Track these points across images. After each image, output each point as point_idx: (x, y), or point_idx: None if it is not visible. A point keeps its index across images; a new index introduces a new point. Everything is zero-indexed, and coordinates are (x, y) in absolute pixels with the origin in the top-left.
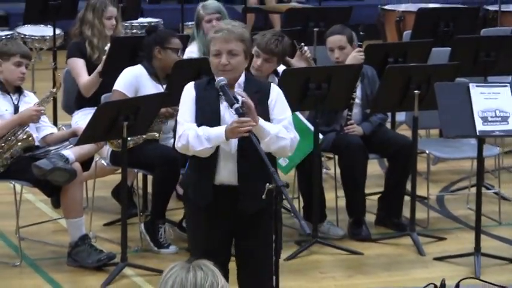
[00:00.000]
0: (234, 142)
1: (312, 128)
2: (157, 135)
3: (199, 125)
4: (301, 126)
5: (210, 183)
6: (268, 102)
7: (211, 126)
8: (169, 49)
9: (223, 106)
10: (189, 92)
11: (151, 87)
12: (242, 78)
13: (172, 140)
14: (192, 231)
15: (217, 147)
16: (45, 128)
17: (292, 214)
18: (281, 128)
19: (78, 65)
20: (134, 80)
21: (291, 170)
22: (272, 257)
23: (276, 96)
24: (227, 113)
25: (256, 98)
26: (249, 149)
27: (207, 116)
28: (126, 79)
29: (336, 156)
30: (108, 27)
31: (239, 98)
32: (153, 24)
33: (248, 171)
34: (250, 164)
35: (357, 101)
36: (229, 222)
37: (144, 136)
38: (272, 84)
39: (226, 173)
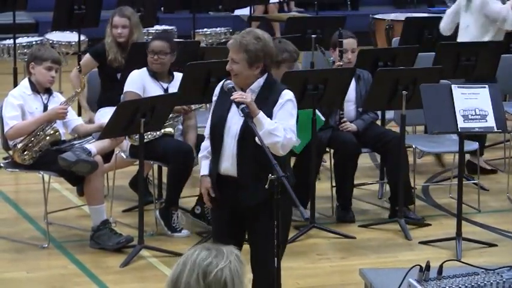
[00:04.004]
0: (236, 134)
1: (323, 117)
2: (172, 130)
3: (211, 123)
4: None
5: (215, 172)
6: (274, 109)
7: (218, 125)
8: (149, 52)
9: (234, 108)
10: (215, 92)
11: (153, 86)
12: (256, 84)
13: (181, 137)
14: (211, 218)
15: (222, 138)
16: (73, 121)
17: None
18: (278, 126)
19: (86, 62)
20: (141, 80)
21: (302, 148)
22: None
23: (283, 103)
24: (236, 116)
25: (265, 103)
26: (249, 142)
27: (217, 113)
28: (133, 80)
29: (332, 150)
30: (115, 36)
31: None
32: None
33: (247, 164)
34: (249, 158)
35: (353, 100)
36: (236, 211)
37: (162, 131)
38: (283, 92)
39: (228, 164)
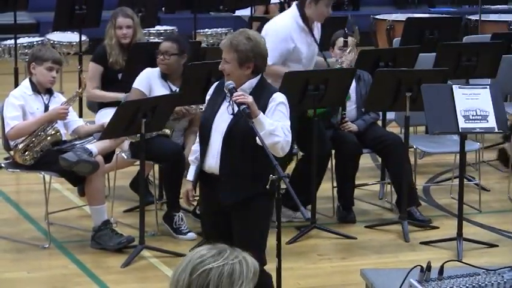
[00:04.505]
0: (222, 131)
1: (352, 96)
2: (168, 131)
3: (200, 120)
4: None
5: (199, 169)
6: (265, 112)
7: (206, 122)
8: (157, 52)
9: (225, 106)
10: (209, 91)
11: (159, 86)
12: (248, 85)
13: (182, 138)
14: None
15: (209, 135)
16: (74, 122)
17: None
18: (278, 127)
19: (93, 71)
20: (148, 79)
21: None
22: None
23: (275, 106)
24: (225, 114)
25: (257, 105)
26: (235, 140)
27: (207, 111)
28: (141, 78)
29: (333, 151)
30: (119, 37)
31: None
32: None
33: (230, 162)
34: (233, 156)
35: (353, 100)
36: (221, 210)
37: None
38: (275, 95)
39: (213, 162)
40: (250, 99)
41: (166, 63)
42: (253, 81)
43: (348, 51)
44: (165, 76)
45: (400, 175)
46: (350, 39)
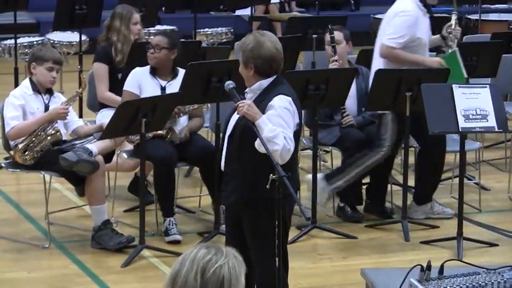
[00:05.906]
0: (227, 133)
1: (465, 74)
2: (163, 132)
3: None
4: (457, 64)
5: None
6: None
7: (225, 123)
8: (149, 47)
9: None
10: None
11: (150, 83)
12: (257, 86)
13: (183, 134)
14: None
15: (224, 136)
16: (74, 122)
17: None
18: (279, 134)
19: (101, 71)
20: (137, 78)
21: None
22: (267, 243)
23: (272, 112)
24: (235, 114)
25: (257, 107)
26: (236, 140)
27: (228, 114)
28: (130, 79)
29: (333, 150)
30: (134, 32)
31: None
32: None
33: (231, 161)
34: (233, 155)
35: (354, 95)
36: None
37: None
38: (275, 99)
39: (223, 162)
40: (245, 107)
41: (156, 56)
42: (263, 83)
43: (452, 25)
44: (154, 72)
45: (388, 174)
46: (337, 33)
